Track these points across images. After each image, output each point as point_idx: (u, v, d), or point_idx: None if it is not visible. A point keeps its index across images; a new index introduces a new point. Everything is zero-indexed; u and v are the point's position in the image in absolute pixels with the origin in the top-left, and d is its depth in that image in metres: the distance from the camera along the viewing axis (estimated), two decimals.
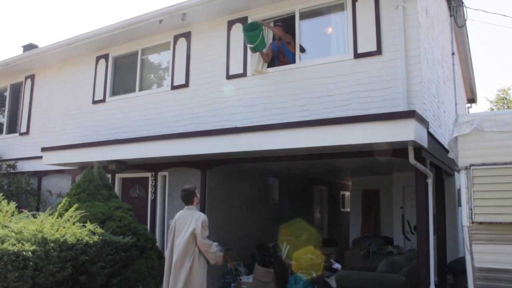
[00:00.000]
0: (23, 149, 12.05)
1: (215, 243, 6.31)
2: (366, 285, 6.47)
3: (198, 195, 5.89)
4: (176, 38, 9.54)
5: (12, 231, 5.21)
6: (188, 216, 5.57)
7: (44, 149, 10.09)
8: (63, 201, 6.67)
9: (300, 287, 8.10)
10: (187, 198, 5.71)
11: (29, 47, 13.10)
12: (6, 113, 13.09)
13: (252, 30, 7.85)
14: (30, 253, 4.93)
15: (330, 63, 7.64)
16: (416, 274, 6.51)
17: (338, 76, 7.49)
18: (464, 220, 5.38)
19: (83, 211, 6.19)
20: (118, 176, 9.97)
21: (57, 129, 11.38)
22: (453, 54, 10.70)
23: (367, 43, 7.31)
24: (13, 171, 11.77)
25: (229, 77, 8.64)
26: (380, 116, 6.17)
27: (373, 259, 8.81)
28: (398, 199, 10.74)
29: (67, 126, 11.18)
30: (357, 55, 7.39)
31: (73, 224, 5.89)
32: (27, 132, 12.18)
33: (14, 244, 4.91)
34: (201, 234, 5.41)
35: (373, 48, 7.24)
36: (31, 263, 4.91)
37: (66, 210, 6.36)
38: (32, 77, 12.38)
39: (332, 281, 7.52)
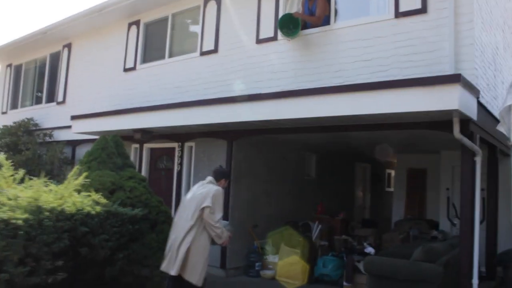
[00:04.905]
0: (59, 118, 11.98)
1: (226, 222, 5.86)
2: (396, 274, 5.69)
3: (226, 183, 5.67)
4: (206, 1, 8.95)
5: (8, 198, 4.91)
6: (207, 186, 5.32)
7: (73, 118, 9.95)
8: (74, 169, 6.34)
9: (328, 270, 7.48)
10: (217, 175, 5.50)
11: None
12: (45, 82, 13.11)
13: (289, 24, 7.32)
14: (21, 221, 4.60)
15: (368, 23, 6.79)
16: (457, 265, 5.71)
17: (376, 38, 6.63)
18: None
19: (90, 179, 5.82)
20: (146, 146, 9.66)
21: (91, 97, 11.19)
22: None
23: (410, 0, 6.39)
24: (49, 140, 11.79)
25: (259, 41, 7.99)
26: (417, 81, 5.32)
27: (413, 244, 7.96)
28: (446, 180, 9.70)
29: (99, 95, 10.96)
30: (398, 14, 6.48)
31: (79, 192, 5.54)
32: (63, 101, 12.13)
33: (4, 212, 4.59)
34: (211, 207, 5.08)
35: (417, 5, 6.30)
36: (21, 232, 4.58)
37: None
38: (69, 45, 12.25)
39: (362, 266, 6.81)
